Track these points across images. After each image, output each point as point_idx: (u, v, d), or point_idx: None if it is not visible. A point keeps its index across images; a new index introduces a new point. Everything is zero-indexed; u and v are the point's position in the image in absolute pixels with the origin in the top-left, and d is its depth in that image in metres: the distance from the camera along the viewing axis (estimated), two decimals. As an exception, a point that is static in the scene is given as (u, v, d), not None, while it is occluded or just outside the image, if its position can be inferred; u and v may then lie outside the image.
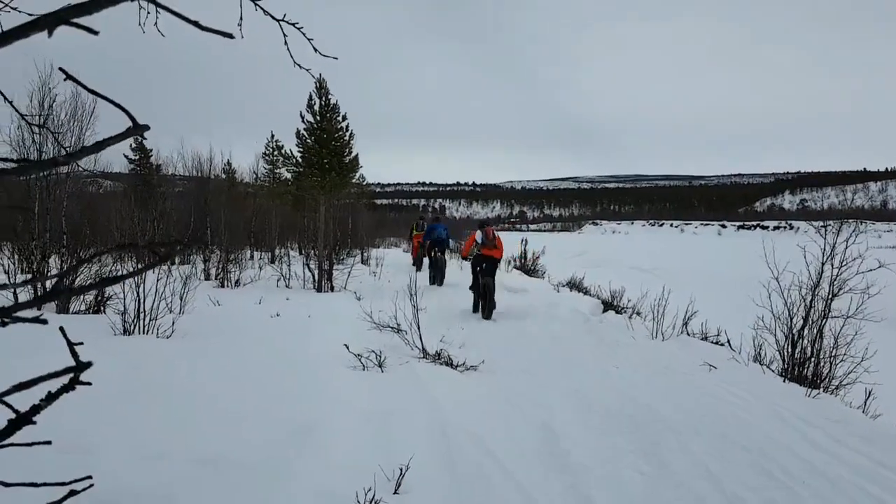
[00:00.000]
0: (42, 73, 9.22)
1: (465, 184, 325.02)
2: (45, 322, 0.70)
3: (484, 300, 10.37)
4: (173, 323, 7.16)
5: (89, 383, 0.80)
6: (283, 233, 25.58)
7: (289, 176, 18.08)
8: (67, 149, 7.78)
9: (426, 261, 16.38)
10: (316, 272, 13.50)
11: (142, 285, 7.07)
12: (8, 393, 0.71)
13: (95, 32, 0.62)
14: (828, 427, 4.63)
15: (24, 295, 8.55)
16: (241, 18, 2.21)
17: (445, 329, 8.33)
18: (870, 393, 5.49)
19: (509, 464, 3.87)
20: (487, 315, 10.20)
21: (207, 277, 15.01)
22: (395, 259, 24.67)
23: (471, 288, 11.07)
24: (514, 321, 9.60)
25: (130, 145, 29.77)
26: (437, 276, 14.88)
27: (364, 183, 30.14)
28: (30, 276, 9.07)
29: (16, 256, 9.39)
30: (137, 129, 0.75)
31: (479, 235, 10.89)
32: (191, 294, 8.68)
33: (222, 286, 13.56)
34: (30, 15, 1.87)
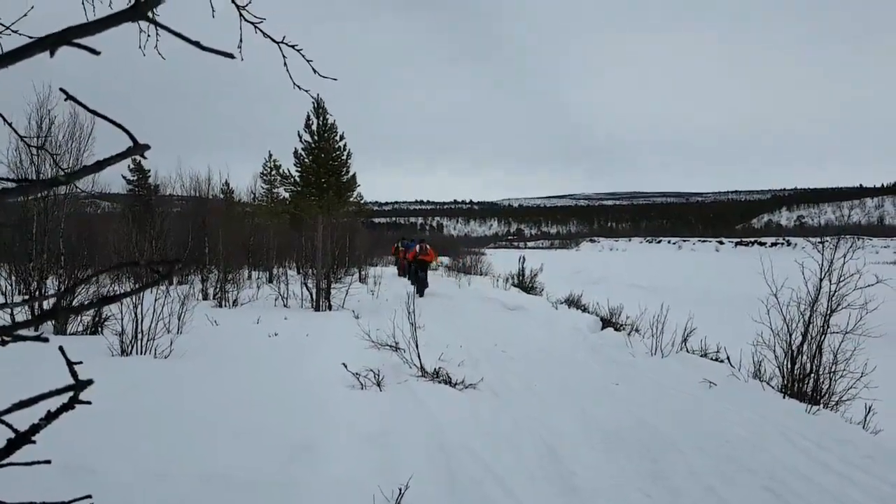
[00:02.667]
0: (40, 94, 9.26)
1: (463, 202, 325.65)
2: (46, 340, 0.70)
3: (420, 286, 17.33)
4: (171, 343, 7.14)
5: (89, 402, 0.79)
6: (281, 252, 25.56)
7: (286, 195, 18.11)
8: (66, 170, 7.80)
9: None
10: (314, 291, 13.48)
11: (139, 306, 7.06)
12: (8, 411, 0.71)
13: (97, 53, 0.62)
14: (833, 447, 4.61)
15: (22, 316, 8.53)
16: (240, 41, 2.23)
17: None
18: (870, 409, 5.48)
19: (511, 484, 3.85)
20: (421, 294, 16.65)
21: (205, 297, 14.98)
22: (393, 277, 24.68)
23: (410, 279, 19.06)
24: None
25: (129, 166, 29.81)
26: (414, 280, 20.48)
27: (362, 201, 30.18)
28: (27, 296, 9.05)
29: (13, 277, 9.37)
30: (138, 149, 0.76)
31: (418, 248, 17.77)
32: (189, 314, 8.65)
33: (220, 306, 13.53)
34: (30, 38, 1.89)
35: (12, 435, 0.73)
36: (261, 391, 5.59)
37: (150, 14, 0.63)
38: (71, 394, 0.76)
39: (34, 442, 0.73)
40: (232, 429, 4.45)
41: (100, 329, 8.76)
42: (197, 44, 0.68)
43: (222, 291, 14.14)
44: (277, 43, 2.29)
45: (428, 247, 17.89)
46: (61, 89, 0.79)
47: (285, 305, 13.65)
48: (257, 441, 4.23)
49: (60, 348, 0.80)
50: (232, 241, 18.67)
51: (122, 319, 7.02)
